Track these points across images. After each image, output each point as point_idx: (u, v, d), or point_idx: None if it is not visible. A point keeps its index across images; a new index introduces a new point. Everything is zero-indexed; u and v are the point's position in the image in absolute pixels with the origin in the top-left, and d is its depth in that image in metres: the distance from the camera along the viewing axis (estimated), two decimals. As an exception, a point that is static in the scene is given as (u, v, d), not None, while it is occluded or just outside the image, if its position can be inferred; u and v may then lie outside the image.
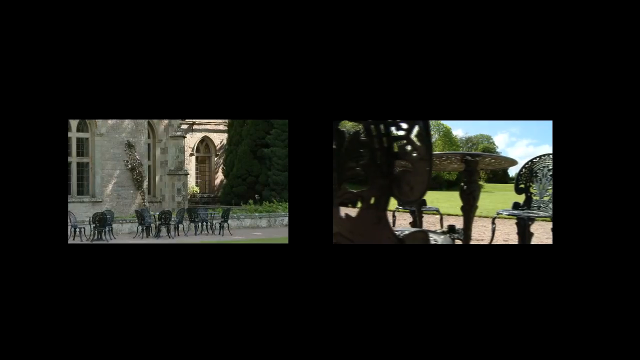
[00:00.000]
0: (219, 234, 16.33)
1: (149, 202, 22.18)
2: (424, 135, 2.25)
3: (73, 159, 20.37)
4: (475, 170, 4.34)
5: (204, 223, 16.65)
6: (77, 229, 14.42)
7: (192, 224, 16.57)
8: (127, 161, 21.15)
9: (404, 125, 2.30)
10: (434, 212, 8.53)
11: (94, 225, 14.44)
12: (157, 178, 23.80)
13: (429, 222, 11.73)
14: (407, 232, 2.63)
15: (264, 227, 19.04)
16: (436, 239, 2.93)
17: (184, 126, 26.27)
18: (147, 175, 22.60)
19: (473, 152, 4.49)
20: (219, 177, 28.08)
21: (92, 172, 20.71)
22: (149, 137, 23.18)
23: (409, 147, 2.27)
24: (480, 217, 15.97)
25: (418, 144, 2.25)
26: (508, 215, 5.77)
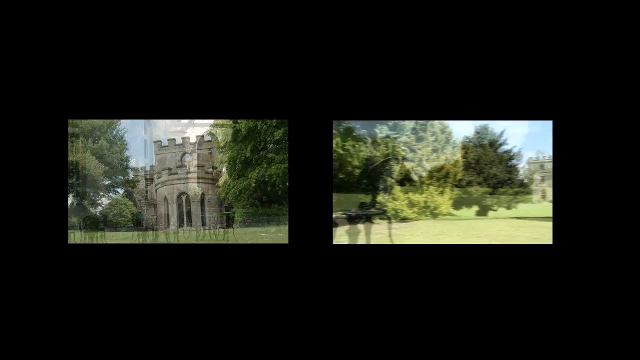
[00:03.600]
0: (222, 239, 16.40)
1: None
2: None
3: (58, 156, 20.28)
4: None
5: (205, 228, 16.78)
6: (65, 234, 14.39)
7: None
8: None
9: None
10: None
11: (85, 230, 14.50)
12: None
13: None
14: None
15: (272, 232, 18.90)
16: None
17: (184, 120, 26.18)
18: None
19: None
20: (223, 176, 28.10)
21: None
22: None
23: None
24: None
25: None
26: (341, 213, 6.59)
